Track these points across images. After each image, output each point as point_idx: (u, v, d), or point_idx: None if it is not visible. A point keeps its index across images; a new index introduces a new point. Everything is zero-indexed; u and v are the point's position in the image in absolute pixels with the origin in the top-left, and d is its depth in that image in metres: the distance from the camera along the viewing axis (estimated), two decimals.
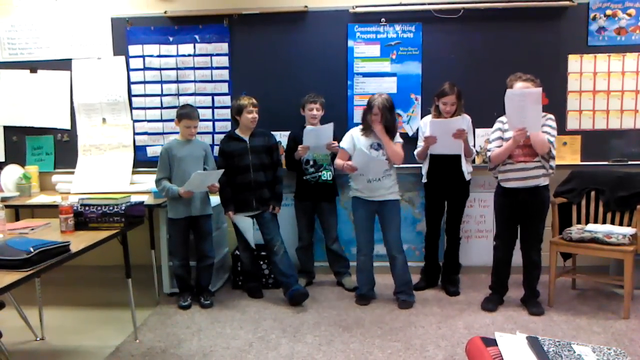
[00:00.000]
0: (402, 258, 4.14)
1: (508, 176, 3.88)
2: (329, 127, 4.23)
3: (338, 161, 4.12)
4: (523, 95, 3.62)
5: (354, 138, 4.12)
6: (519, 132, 3.67)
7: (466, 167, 4.23)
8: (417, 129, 4.51)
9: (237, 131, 4.33)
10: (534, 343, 2.16)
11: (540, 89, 3.63)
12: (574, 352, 2.10)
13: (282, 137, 4.78)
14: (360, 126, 4.14)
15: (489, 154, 3.98)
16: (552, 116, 3.85)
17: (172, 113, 4.32)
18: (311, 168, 4.46)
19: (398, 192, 4.17)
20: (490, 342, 2.24)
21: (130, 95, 4.94)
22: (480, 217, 4.82)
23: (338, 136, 4.38)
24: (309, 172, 4.46)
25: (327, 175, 4.46)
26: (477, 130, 4.55)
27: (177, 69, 4.88)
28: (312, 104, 4.39)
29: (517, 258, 4.05)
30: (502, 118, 3.89)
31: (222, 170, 4.08)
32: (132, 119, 4.97)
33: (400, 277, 4.17)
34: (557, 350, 2.09)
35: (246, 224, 4.26)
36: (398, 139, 4.10)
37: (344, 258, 4.66)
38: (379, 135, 4.01)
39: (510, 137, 3.76)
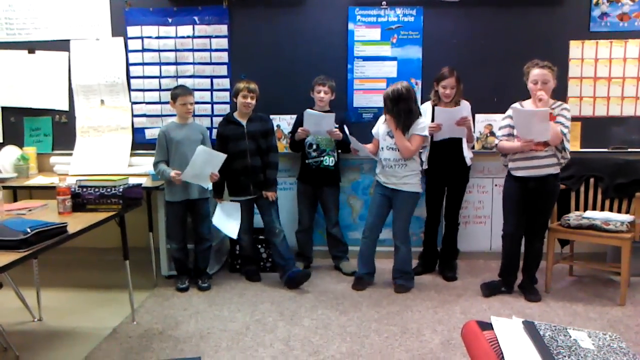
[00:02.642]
0: (405, 249, 4.13)
1: (518, 165, 3.85)
2: (330, 117, 4.21)
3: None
4: (529, 114, 3.60)
5: (379, 125, 4.15)
6: (527, 144, 3.68)
7: (467, 153, 4.23)
8: None
9: (236, 114, 4.30)
10: (530, 327, 2.15)
11: (547, 110, 3.59)
12: (570, 336, 2.10)
13: (280, 120, 4.76)
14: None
15: (496, 141, 3.97)
16: (567, 106, 3.82)
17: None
18: (314, 152, 4.45)
19: (417, 184, 4.06)
20: (486, 326, 2.24)
21: (128, 77, 4.91)
22: (479, 203, 4.82)
23: (346, 122, 4.38)
24: (312, 156, 4.45)
25: (329, 160, 4.45)
26: (477, 116, 4.54)
27: (176, 50, 4.84)
28: (320, 86, 4.36)
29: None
30: (516, 105, 3.84)
31: (225, 155, 4.04)
32: (130, 100, 4.94)
33: (400, 264, 4.17)
34: (553, 335, 2.09)
35: (231, 212, 4.26)
36: (418, 131, 3.95)
37: (342, 243, 4.66)
38: (389, 126, 3.99)
39: None
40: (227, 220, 4.29)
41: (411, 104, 3.95)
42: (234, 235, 4.30)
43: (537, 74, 3.69)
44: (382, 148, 4.06)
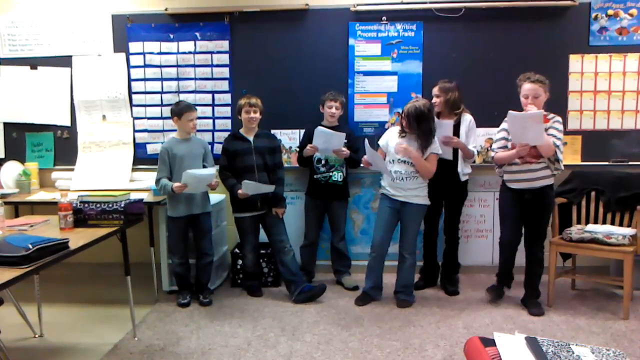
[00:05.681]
0: (411, 260, 4.13)
1: (514, 177, 3.89)
2: (340, 136, 4.23)
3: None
4: (525, 117, 3.66)
5: (389, 137, 4.13)
6: (522, 148, 3.73)
7: (462, 169, 4.23)
8: None
9: (242, 130, 4.32)
10: (533, 343, 2.15)
11: (542, 112, 3.67)
12: (573, 352, 2.09)
13: (281, 135, 4.77)
14: (399, 128, 4.08)
15: (492, 154, 4.01)
16: (559, 118, 3.86)
17: None
18: (322, 167, 4.45)
19: (425, 197, 4.07)
20: (489, 342, 2.24)
21: (130, 93, 4.94)
22: (480, 216, 4.81)
23: (352, 137, 4.38)
24: (320, 171, 4.46)
25: (337, 176, 4.45)
26: (478, 130, 4.52)
27: (178, 66, 4.87)
28: (331, 102, 4.39)
29: (519, 258, 4.08)
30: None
31: (213, 170, 4.07)
32: (132, 116, 4.97)
33: (403, 277, 4.16)
34: (556, 351, 2.09)
35: (254, 186, 4.13)
36: (435, 149, 3.95)
37: (346, 257, 4.66)
38: (409, 153, 3.91)
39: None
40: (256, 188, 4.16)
41: (431, 124, 3.93)
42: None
43: (528, 88, 3.77)
44: (392, 161, 4.02)
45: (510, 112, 3.73)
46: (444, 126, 4.05)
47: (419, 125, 3.89)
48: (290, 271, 4.28)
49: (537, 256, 3.97)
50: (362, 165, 4.19)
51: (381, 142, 4.19)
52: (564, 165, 4.51)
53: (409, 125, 3.93)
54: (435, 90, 4.19)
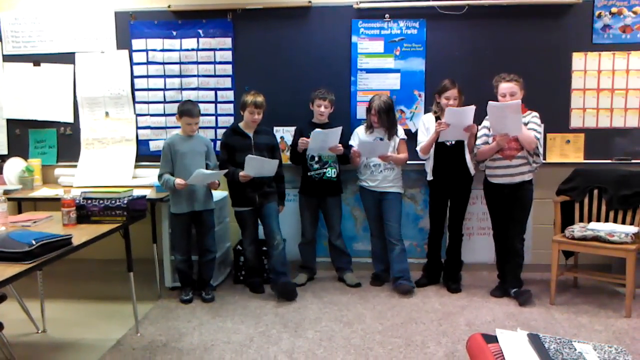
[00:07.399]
0: (400, 246, 4.35)
1: (495, 172, 4.11)
2: (337, 131, 4.24)
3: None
4: (503, 107, 3.82)
5: (359, 135, 4.40)
6: (502, 138, 3.91)
7: (471, 163, 4.23)
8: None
9: (241, 125, 4.33)
10: (535, 340, 2.15)
11: (519, 101, 3.83)
12: (575, 349, 2.09)
13: (284, 132, 4.77)
14: (364, 124, 4.41)
15: (475, 149, 4.17)
16: (536, 114, 4.03)
17: (175, 107, 4.31)
18: (316, 164, 4.45)
19: (400, 186, 4.41)
20: (491, 339, 2.24)
21: (133, 89, 4.94)
22: (482, 214, 4.80)
23: (345, 135, 4.38)
24: (314, 168, 4.45)
25: (331, 172, 4.45)
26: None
27: (181, 63, 4.87)
28: (321, 100, 4.38)
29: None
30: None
31: (224, 171, 4.12)
32: (135, 112, 4.97)
33: (398, 263, 4.34)
34: (558, 348, 2.09)
35: (258, 162, 4.10)
36: (401, 135, 4.40)
37: (346, 254, 4.66)
38: (389, 158, 4.29)
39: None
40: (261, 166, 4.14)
41: (394, 114, 4.38)
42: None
43: (505, 87, 3.95)
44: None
45: (490, 102, 3.84)
46: (469, 110, 3.99)
47: (388, 117, 4.28)
48: (273, 268, 4.31)
49: (515, 247, 4.14)
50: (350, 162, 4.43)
51: (352, 143, 4.43)
52: (568, 163, 4.56)
53: (379, 118, 4.27)
54: (454, 93, 4.13)
